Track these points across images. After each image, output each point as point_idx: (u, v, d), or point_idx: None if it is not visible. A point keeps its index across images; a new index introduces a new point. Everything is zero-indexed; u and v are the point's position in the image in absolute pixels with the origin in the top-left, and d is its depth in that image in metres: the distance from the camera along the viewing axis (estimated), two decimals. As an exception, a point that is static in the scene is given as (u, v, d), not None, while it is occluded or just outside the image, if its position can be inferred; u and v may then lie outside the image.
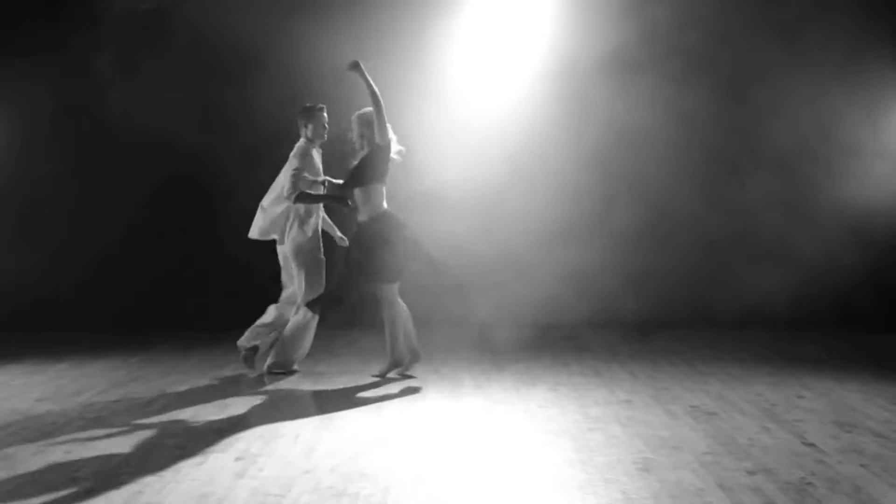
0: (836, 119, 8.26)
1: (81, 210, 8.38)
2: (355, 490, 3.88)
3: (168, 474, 4.12)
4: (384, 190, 6.13)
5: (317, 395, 5.84)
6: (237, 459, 4.34)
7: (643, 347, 7.31)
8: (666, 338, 7.73)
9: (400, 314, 6.17)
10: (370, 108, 6.03)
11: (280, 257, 6.51)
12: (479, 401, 5.56)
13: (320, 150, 6.44)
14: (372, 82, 5.95)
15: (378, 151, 6.05)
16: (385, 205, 6.12)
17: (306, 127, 6.33)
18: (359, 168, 6.09)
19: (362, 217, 6.11)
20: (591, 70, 8.15)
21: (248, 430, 4.88)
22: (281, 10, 8.21)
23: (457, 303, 7.50)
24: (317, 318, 6.24)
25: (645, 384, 5.98)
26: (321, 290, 6.25)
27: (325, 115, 6.36)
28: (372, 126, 6.04)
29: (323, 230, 6.47)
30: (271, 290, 8.41)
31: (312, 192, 6.25)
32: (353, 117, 6.18)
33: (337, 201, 6.23)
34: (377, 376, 6.23)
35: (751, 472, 4.08)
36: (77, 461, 4.33)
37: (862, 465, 4.17)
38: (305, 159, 6.25)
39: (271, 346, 6.41)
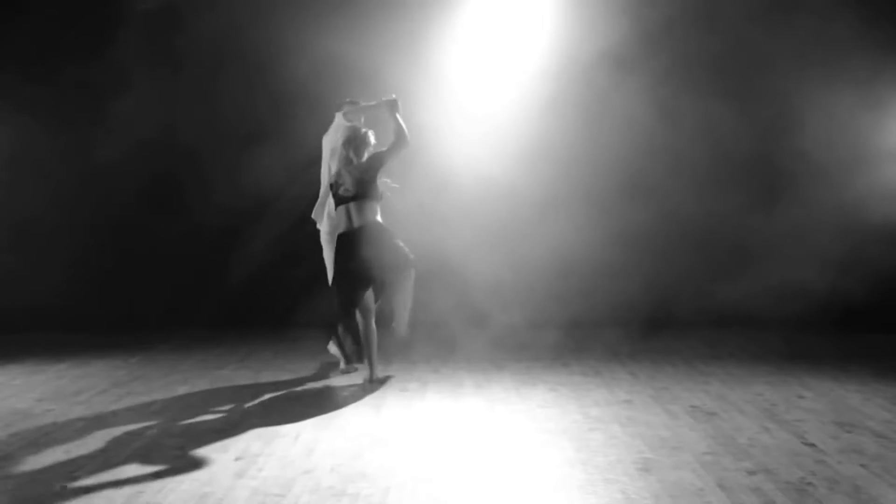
0: (843, 118, 8.26)
1: (81, 210, 8.39)
2: (355, 490, 3.88)
3: (168, 474, 4.12)
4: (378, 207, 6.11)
5: (317, 395, 5.85)
6: (237, 459, 4.34)
7: (643, 347, 7.31)
8: (666, 338, 7.73)
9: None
10: (355, 127, 6.11)
11: None
12: (479, 401, 5.56)
13: None
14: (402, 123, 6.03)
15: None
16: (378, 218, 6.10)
17: (360, 120, 6.32)
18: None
19: (355, 224, 6.02)
20: (590, 68, 8.16)
21: (248, 430, 4.88)
22: (280, 10, 8.22)
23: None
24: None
25: (645, 384, 5.98)
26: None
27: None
28: (359, 149, 6.04)
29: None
30: (272, 289, 8.45)
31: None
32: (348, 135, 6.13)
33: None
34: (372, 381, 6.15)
35: (751, 472, 4.08)
36: (77, 461, 4.33)
37: (862, 465, 4.17)
38: None
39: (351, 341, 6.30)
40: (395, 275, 6.02)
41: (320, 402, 5.61)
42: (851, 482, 3.93)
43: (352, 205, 5.98)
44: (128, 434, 4.81)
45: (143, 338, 7.85)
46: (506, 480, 4.02)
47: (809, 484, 3.91)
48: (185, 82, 8.29)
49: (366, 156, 6.08)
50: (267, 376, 6.34)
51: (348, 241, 5.97)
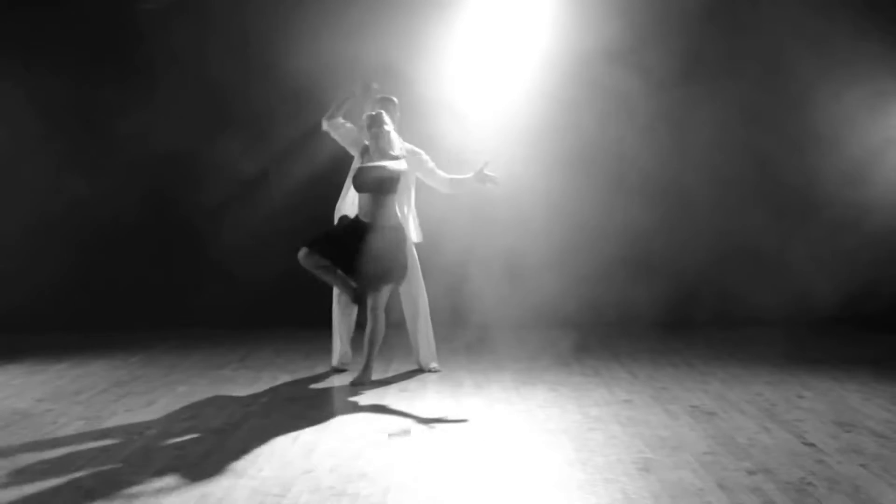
0: (846, 116, 8.27)
1: (81, 209, 8.39)
2: (355, 490, 3.88)
3: (168, 474, 4.12)
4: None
5: (317, 394, 5.84)
6: (237, 459, 4.34)
7: (643, 347, 7.31)
8: (666, 338, 7.73)
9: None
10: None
11: None
12: (479, 401, 5.56)
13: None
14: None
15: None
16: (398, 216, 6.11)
17: (393, 117, 6.33)
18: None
19: (379, 223, 6.01)
20: (596, 65, 8.16)
21: (247, 431, 4.88)
22: (280, 10, 8.22)
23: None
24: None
25: (645, 384, 5.98)
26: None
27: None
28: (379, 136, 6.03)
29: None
30: (272, 289, 8.43)
31: None
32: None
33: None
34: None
35: (751, 472, 4.07)
36: (77, 461, 4.33)
37: (862, 465, 4.17)
38: None
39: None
40: (381, 279, 5.97)
41: (320, 402, 5.61)
42: (851, 482, 3.93)
43: (370, 196, 5.96)
44: (128, 434, 4.81)
45: (143, 338, 7.85)
46: (506, 480, 4.02)
47: (809, 484, 3.91)
48: (183, 81, 8.30)
49: (389, 143, 6.03)
50: (267, 376, 6.34)
51: (356, 227, 5.96)
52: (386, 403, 5.55)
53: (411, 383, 6.08)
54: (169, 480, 4.03)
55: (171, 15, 8.12)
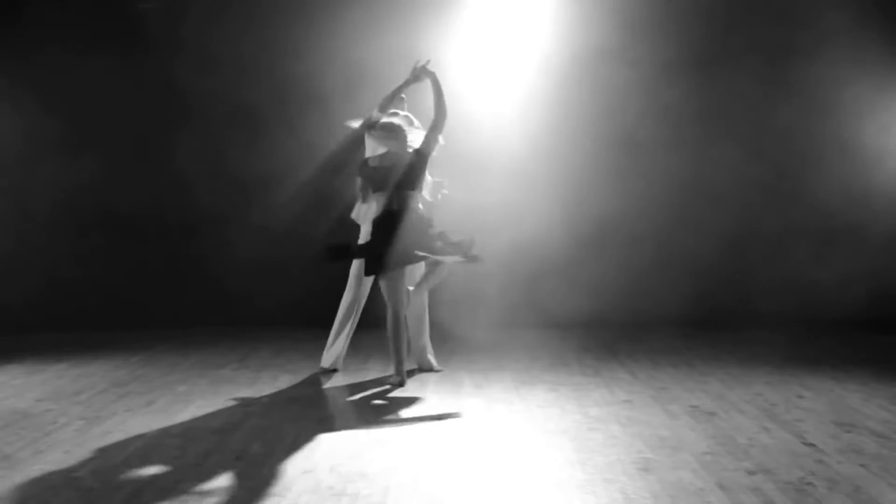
0: (845, 115, 8.28)
1: (81, 209, 8.39)
2: (355, 490, 3.88)
3: (168, 474, 4.12)
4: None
5: (317, 394, 5.84)
6: (237, 459, 4.34)
7: (643, 347, 7.31)
8: (666, 338, 7.73)
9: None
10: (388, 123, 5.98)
11: None
12: (479, 401, 5.56)
13: None
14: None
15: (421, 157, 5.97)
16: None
17: (393, 109, 6.28)
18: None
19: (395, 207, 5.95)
20: (592, 64, 8.18)
21: (247, 431, 4.88)
22: (280, 10, 8.22)
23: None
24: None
25: (645, 384, 5.98)
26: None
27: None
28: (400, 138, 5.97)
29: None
30: (272, 289, 8.42)
31: None
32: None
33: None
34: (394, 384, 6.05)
35: (750, 472, 4.07)
36: (77, 461, 4.33)
37: (861, 465, 4.17)
38: None
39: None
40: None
41: (320, 402, 5.61)
42: (851, 482, 3.93)
43: (393, 193, 5.92)
44: (128, 434, 4.81)
45: (143, 338, 7.85)
46: (506, 480, 4.02)
47: (809, 484, 3.91)
48: (184, 81, 8.30)
49: (412, 140, 5.97)
50: (267, 376, 6.34)
51: (386, 222, 5.88)
52: (386, 403, 5.54)
53: (411, 383, 6.08)
54: (169, 480, 4.03)
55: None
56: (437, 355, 6.62)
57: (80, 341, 7.71)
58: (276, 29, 8.21)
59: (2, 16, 8.19)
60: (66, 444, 4.61)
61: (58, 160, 8.34)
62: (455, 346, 7.32)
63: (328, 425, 4.99)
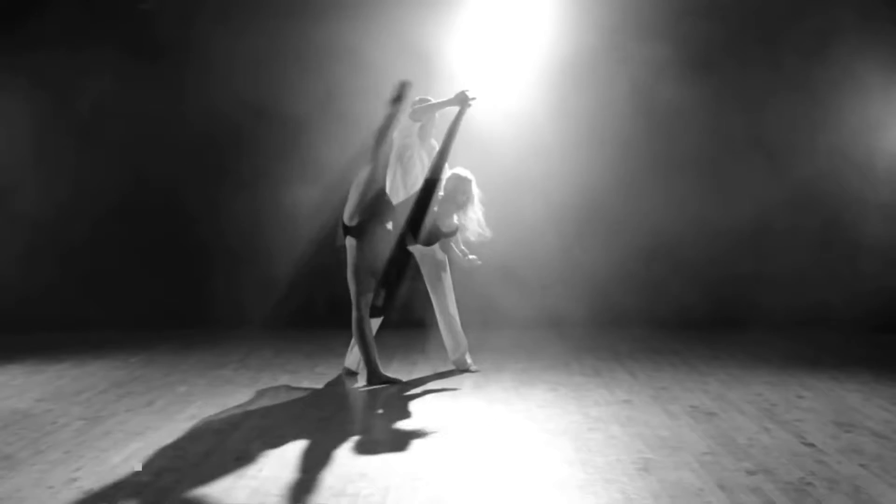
0: (836, 114, 8.28)
1: (81, 208, 8.39)
2: (355, 490, 3.88)
3: (168, 474, 4.12)
4: None
5: (316, 394, 5.85)
6: (237, 459, 4.34)
7: (643, 347, 7.31)
8: (666, 338, 7.73)
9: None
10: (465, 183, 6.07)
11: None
12: (479, 401, 5.56)
13: None
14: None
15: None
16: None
17: (426, 119, 6.27)
18: None
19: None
20: (591, 63, 8.18)
21: (247, 430, 4.88)
22: (280, 11, 8.23)
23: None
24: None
25: (645, 384, 5.98)
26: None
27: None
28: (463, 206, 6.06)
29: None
30: (272, 289, 8.42)
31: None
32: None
33: None
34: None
35: (751, 472, 4.08)
36: (77, 461, 4.33)
37: (861, 465, 4.17)
38: None
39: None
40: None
41: (320, 402, 5.61)
42: (851, 482, 3.93)
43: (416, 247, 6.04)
44: (128, 434, 4.81)
45: (143, 338, 7.85)
46: (506, 480, 4.02)
47: (809, 484, 3.91)
48: (183, 80, 8.31)
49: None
50: (267, 376, 6.34)
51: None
52: (386, 403, 5.55)
53: (411, 383, 6.08)
54: (169, 480, 4.03)
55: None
56: (437, 356, 6.61)
57: (80, 341, 7.71)
58: (272, 29, 8.22)
59: (18, 15, 8.20)
60: (66, 444, 4.62)
61: (55, 161, 8.34)
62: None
63: (328, 425, 4.99)
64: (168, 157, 8.32)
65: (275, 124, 8.24)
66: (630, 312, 8.21)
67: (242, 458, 4.38)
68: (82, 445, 4.60)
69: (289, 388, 6.01)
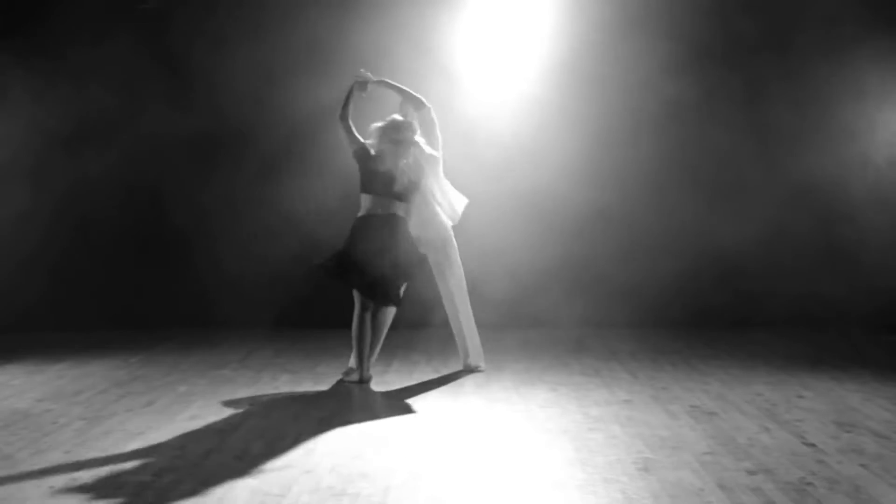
0: (828, 108, 8.28)
1: (81, 209, 8.38)
2: (355, 490, 3.88)
3: (168, 474, 4.11)
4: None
5: (316, 394, 5.84)
6: (237, 459, 4.34)
7: (643, 347, 7.31)
8: (666, 338, 7.73)
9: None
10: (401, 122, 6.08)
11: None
12: (479, 400, 5.56)
13: None
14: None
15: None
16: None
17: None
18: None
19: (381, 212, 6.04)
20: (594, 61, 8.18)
21: (248, 431, 4.88)
22: (280, 10, 8.22)
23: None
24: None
25: (645, 384, 5.98)
26: None
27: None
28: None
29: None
30: (273, 289, 8.41)
31: None
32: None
33: None
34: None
35: (751, 472, 4.07)
36: (77, 461, 4.33)
37: (862, 465, 4.17)
38: None
39: None
40: (406, 270, 6.03)
41: (320, 402, 5.61)
42: (851, 482, 3.92)
43: (386, 200, 5.98)
44: (128, 434, 4.81)
45: (143, 338, 7.85)
46: (506, 480, 4.02)
47: (809, 484, 3.91)
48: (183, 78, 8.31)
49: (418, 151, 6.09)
50: (267, 376, 6.34)
51: (366, 225, 5.96)
52: (386, 403, 5.55)
53: (411, 383, 6.08)
54: (169, 480, 4.03)
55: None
56: (437, 356, 6.61)
57: (80, 341, 7.71)
58: (271, 29, 8.21)
59: (31, 14, 8.20)
60: (66, 444, 4.61)
61: (55, 160, 8.33)
62: (455, 346, 7.31)
63: (328, 425, 4.99)
64: (169, 158, 8.32)
65: (278, 124, 8.24)
66: (630, 312, 8.21)
67: (242, 458, 4.37)
68: (82, 445, 4.60)
69: (289, 388, 6.01)
